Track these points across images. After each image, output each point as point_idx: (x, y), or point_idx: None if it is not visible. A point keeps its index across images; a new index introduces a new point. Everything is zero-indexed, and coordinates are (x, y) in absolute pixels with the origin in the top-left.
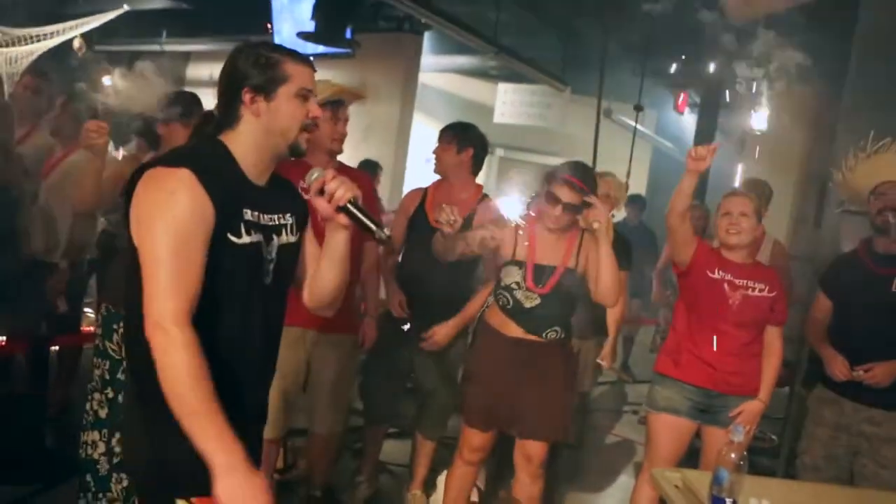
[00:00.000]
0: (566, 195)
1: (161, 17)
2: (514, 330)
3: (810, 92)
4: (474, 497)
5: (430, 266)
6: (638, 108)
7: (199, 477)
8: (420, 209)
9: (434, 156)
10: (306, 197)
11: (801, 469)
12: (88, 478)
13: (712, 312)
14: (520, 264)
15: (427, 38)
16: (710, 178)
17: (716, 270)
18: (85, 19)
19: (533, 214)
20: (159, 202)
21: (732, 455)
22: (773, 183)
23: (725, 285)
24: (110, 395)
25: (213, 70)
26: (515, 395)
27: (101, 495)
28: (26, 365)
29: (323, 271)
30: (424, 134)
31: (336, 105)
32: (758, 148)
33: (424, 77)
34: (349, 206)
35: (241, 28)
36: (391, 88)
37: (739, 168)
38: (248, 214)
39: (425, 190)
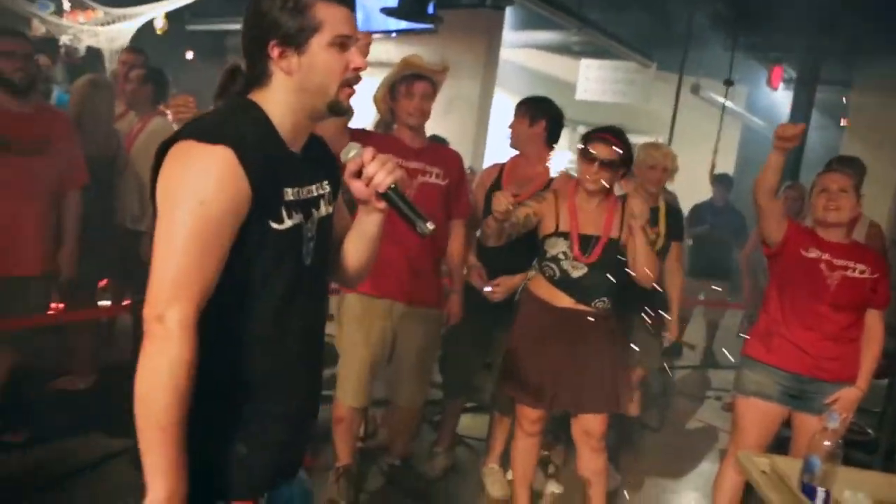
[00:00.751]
0: (601, 151)
1: None
2: (563, 300)
3: None
4: (551, 470)
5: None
6: (728, 83)
7: (240, 479)
8: (496, 184)
9: (509, 130)
10: (346, 178)
11: None
12: None
13: (808, 294)
14: (565, 235)
15: (509, 13)
16: (804, 155)
17: (810, 249)
18: None
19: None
20: (187, 183)
21: (826, 442)
22: (876, 163)
23: (823, 265)
24: None
25: None
26: (567, 368)
27: None
28: (133, 332)
29: (350, 248)
30: (505, 110)
31: (411, 80)
32: (857, 125)
33: (506, 53)
34: (390, 192)
35: None
36: (473, 64)
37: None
38: (288, 194)
39: (502, 165)
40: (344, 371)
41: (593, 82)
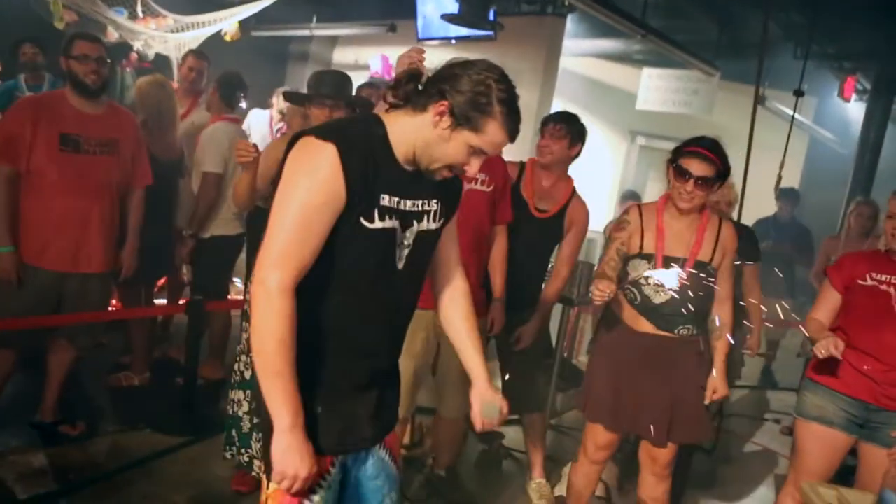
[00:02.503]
0: (697, 168)
1: (312, 3)
2: (645, 325)
3: None
4: (600, 492)
5: (511, 246)
6: (798, 94)
7: (313, 435)
8: (515, 187)
9: (543, 146)
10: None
11: None
12: (234, 433)
13: (872, 321)
14: (648, 258)
15: (569, 21)
16: (879, 169)
17: (873, 276)
18: (244, 6)
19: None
20: (299, 172)
21: None
22: None
23: (892, 290)
24: None
25: (359, 54)
26: (649, 394)
27: (243, 450)
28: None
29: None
30: None
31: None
32: None
33: (565, 61)
34: None
35: (388, 13)
36: (532, 72)
37: None
38: (384, 200)
39: (521, 166)
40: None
41: (655, 92)
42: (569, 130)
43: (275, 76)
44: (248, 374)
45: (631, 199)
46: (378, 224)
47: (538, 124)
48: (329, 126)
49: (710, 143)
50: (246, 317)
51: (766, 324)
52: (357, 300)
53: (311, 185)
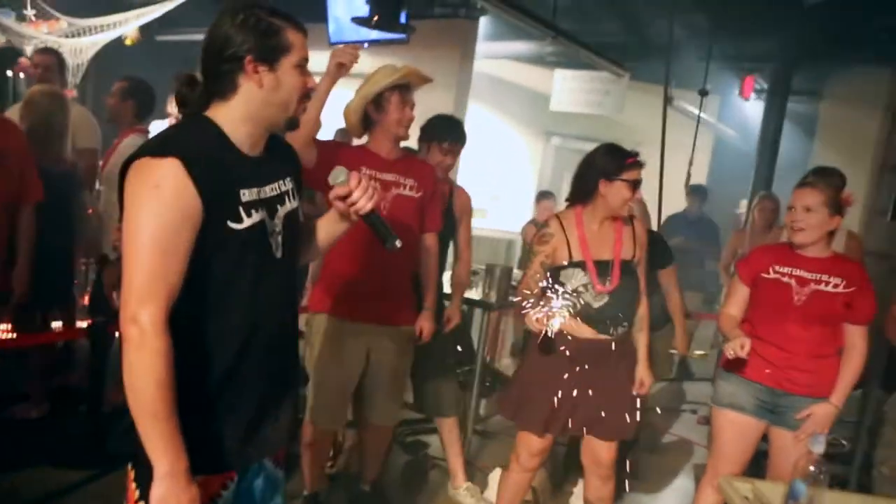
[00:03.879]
0: (637, 175)
1: (218, 6)
2: (585, 331)
3: (888, 76)
4: (528, 496)
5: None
6: (703, 94)
7: (213, 454)
8: None
9: (441, 158)
10: (331, 197)
11: (879, 481)
12: None
13: (775, 312)
14: (581, 265)
15: (482, 23)
16: (777, 165)
17: (776, 268)
18: (145, 9)
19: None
20: (142, 196)
21: (811, 467)
22: (847, 173)
23: (793, 281)
24: None
25: None
26: (585, 397)
27: None
28: (90, 355)
29: (311, 243)
30: (479, 121)
31: (404, 89)
32: (827, 136)
33: (480, 64)
34: (371, 215)
35: (298, 16)
36: (446, 75)
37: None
38: (245, 195)
39: None
40: (316, 392)
41: (568, 93)
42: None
43: None
44: None
45: (546, 199)
46: (247, 221)
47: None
48: (160, 140)
49: (626, 151)
50: None
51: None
52: (245, 304)
53: (162, 206)
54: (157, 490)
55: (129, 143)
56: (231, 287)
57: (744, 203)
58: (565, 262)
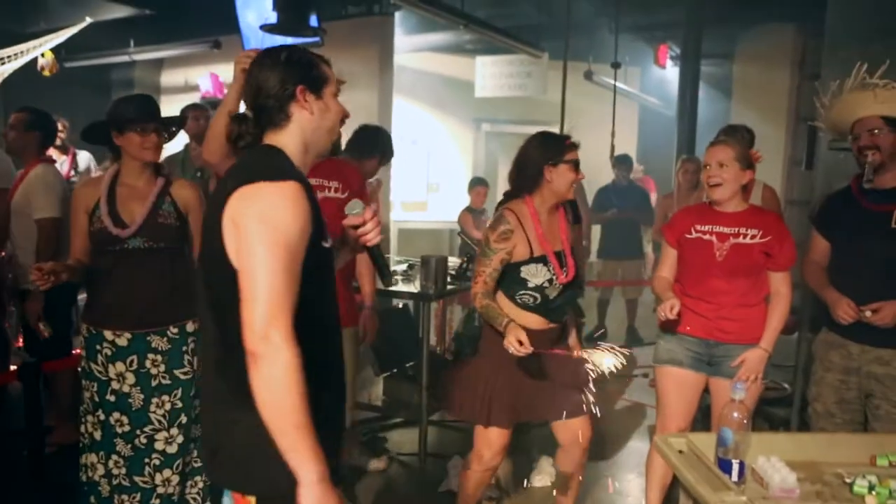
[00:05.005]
0: (576, 155)
1: (128, 27)
2: (538, 322)
3: (793, 32)
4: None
5: None
6: (615, 66)
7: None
8: None
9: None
10: (345, 225)
11: (814, 417)
12: (93, 499)
13: (700, 270)
14: (542, 259)
15: (398, 18)
16: (698, 128)
17: (697, 228)
18: (49, 36)
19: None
20: (268, 216)
21: (735, 413)
22: (764, 128)
23: (714, 237)
24: (101, 416)
25: (188, 75)
26: (547, 384)
27: None
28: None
29: None
30: (408, 115)
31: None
32: (742, 95)
33: (401, 58)
34: (374, 248)
35: (211, 30)
36: (367, 74)
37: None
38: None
39: None
40: None
41: (490, 78)
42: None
43: (98, 109)
44: (97, 436)
45: (479, 185)
46: (329, 242)
47: (380, 124)
48: (267, 166)
49: (567, 136)
50: (85, 373)
51: (622, 286)
52: (330, 316)
53: (286, 227)
54: (309, 497)
55: (39, 173)
56: (323, 301)
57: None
58: (526, 258)
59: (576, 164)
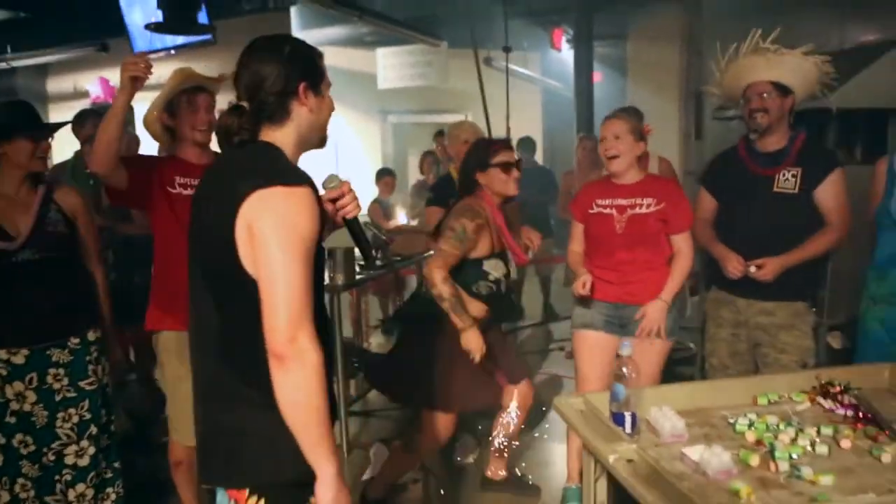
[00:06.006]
0: (508, 156)
1: (2, 31)
2: (480, 310)
3: (680, 11)
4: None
5: None
6: (507, 50)
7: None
8: None
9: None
10: (324, 199)
11: (711, 371)
12: None
13: (602, 243)
14: (502, 255)
15: (295, 13)
16: (595, 108)
17: (597, 203)
18: None
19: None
20: (287, 223)
21: (624, 369)
22: (658, 104)
23: (613, 211)
24: (2, 440)
25: (76, 80)
26: (498, 357)
27: None
28: None
29: None
30: None
31: (193, 92)
32: (637, 74)
33: None
34: (352, 221)
35: (98, 32)
36: None
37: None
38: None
39: None
40: (174, 410)
41: (392, 69)
42: None
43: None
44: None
45: (386, 175)
46: (324, 239)
47: None
48: (280, 170)
49: (506, 140)
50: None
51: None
52: (323, 314)
53: (305, 232)
54: (328, 492)
55: None
56: (320, 297)
57: None
58: (488, 253)
59: (507, 165)
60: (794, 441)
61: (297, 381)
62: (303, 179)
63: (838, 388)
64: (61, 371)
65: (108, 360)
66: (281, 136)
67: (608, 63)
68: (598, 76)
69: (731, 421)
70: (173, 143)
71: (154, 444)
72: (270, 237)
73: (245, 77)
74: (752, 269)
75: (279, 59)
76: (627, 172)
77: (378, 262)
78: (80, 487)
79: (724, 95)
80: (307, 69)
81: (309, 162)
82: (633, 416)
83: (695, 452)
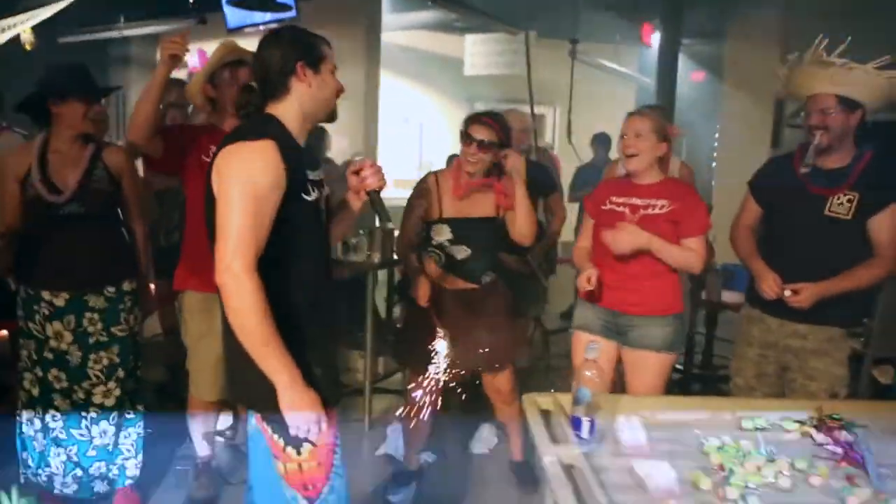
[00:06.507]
0: (479, 132)
1: (117, 3)
2: (453, 282)
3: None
4: None
5: None
6: (573, 42)
7: (325, 392)
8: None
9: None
10: (348, 172)
11: (735, 391)
12: (26, 455)
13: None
14: (448, 221)
15: None
16: (685, 109)
17: (612, 200)
18: (35, 11)
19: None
20: (242, 170)
21: (588, 372)
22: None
23: (627, 210)
24: (39, 373)
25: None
26: (468, 339)
27: (40, 470)
28: None
29: (333, 226)
30: (397, 94)
31: (235, 66)
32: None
33: (389, 36)
34: (373, 192)
35: (199, 6)
36: (352, 50)
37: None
38: (309, 175)
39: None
40: (195, 365)
41: (479, 57)
42: None
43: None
44: (35, 392)
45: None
46: (313, 195)
47: (368, 101)
48: (249, 130)
49: (490, 113)
50: (23, 333)
51: None
52: (313, 263)
53: (256, 176)
54: (285, 399)
55: (3, 142)
56: (306, 248)
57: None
58: (435, 218)
59: (469, 139)
60: (759, 470)
61: (234, 307)
62: (265, 135)
63: (837, 423)
64: (96, 316)
65: (141, 310)
66: (282, 109)
67: (705, 62)
68: (699, 76)
69: (704, 441)
70: (214, 114)
71: (183, 395)
72: (227, 180)
73: (255, 64)
74: (787, 293)
75: (280, 44)
76: (647, 173)
77: (389, 226)
78: (104, 425)
79: (792, 97)
80: (305, 51)
81: (394, 140)
82: (592, 422)
83: (643, 467)
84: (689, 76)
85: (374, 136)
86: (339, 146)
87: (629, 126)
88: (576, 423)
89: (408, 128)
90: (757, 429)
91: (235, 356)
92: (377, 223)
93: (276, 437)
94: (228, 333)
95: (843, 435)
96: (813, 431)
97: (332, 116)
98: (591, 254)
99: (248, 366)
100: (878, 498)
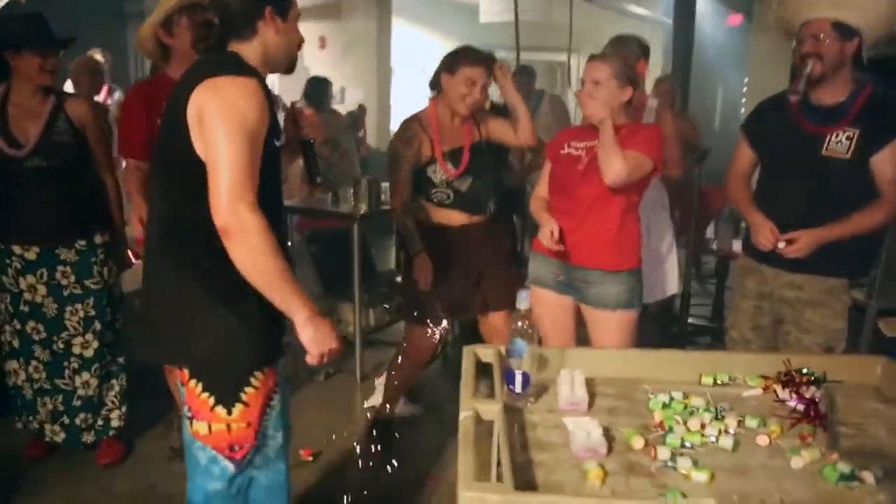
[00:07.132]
0: (477, 74)
1: None
2: (458, 218)
3: None
4: None
5: None
6: None
7: (266, 351)
8: None
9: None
10: (285, 121)
11: (731, 344)
12: (19, 403)
13: (563, 185)
14: (446, 155)
15: None
16: (715, 54)
17: (570, 144)
18: None
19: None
20: (234, 105)
21: (518, 324)
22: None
23: (583, 153)
24: (17, 326)
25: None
26: (478, 276)
27: (30, 418)
28: None
29: None
30: (411, 43)
31: (194, 10)
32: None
33: None
34: (307, 145)
35: None
36: (364, 1)
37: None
38: (278, 119)
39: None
40: None
41: (495, 3)
42: None
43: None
44: (16, 343)
45: None
46: (281, 140)
47: (380, 51)
48: (227, 63)
49: (480, 52)
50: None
51: None
52: (275, 210)
53: (251, 115)
54: (307, 332)
55: None
56: (270, 191)
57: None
58: (429, 158)
59: (471, 82)
60: (702, 428)
61: (244, 250)
62: (250, 72)
63: (805, 378)
64: (68, 269)
65: (116, 263)
66: (247, 50)
67: (744, 3)
68: (736, 19)
69: (651, 396)
70: (164, 62)
71: None
72: (216, 119)
73: (218, 2)
74: (782, 244)
75: None
76: (618, 116)
77: (318, 181)
78: (85, 376)
79: (782, 30)
80: None
81: (407, 89)
82: (525, 375)
83: (571, 424)
84: (726, 21)
85: (387, 85)
86: (353, 98)
87: (588, 73)
88: (509, 377)
89: (424, 78)
90: (717, 384)
91: (165, 313)
92: (312, 177)
93: (205, 394)
94: (153, 289)
95: (811, 391)
96: (778, 387)
97: (290, 67)
98: (547, 202)
99: (182, 321)
100: (826, 458)
